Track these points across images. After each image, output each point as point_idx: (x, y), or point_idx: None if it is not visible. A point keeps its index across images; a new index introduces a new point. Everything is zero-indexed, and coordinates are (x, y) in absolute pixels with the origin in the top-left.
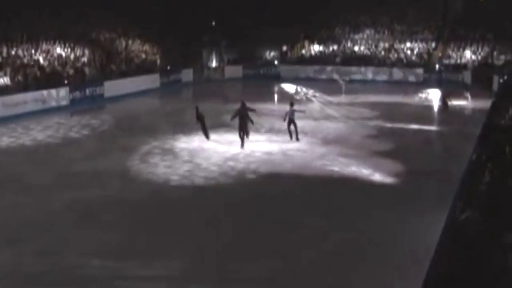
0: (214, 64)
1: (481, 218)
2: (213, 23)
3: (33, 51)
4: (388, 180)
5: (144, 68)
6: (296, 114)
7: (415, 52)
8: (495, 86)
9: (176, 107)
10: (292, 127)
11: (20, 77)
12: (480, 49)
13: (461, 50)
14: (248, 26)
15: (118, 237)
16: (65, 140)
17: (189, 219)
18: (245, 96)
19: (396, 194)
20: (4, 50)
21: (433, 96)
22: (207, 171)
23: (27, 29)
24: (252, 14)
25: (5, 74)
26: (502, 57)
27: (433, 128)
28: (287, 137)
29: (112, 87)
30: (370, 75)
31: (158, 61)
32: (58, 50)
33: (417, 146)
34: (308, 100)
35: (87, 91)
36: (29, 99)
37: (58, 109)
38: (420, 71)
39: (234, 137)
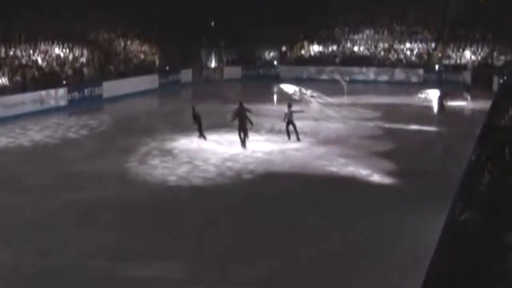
0: (213, 64)
1: (480, 218)
2: (212, 24)
3: (31, 52)
4: (388, 180)
5: (142, 69)
6: (296, 115)
7: (414, 52)
8: (495, 86)
9: (175, 107)
10: (291, 127)
11: (18, 78)
12: (480, 50)
13: (461, 50)
14: (247, 26)
15: (117, 238)
16: (64, 141)
17: (189, 219)
18: (244, 96)
19: (396, 195)
20: (2, 50)
21: (433, 96)
22: (206, 171)
23: (25, 29)
24: (251, 14)
25: (3, 75)
26: (502, 57)
27: (433, 128)
28: (289, 140)
29: (110, 88)
30: (371, 76)
31: (157, 62)
32: (57, 50)
33: (417, 147)
34: (308, 100)
35: (86, 91)
36: (27, 100)
37: (56, 110)
38: (421, 71)
39: (234, 137)
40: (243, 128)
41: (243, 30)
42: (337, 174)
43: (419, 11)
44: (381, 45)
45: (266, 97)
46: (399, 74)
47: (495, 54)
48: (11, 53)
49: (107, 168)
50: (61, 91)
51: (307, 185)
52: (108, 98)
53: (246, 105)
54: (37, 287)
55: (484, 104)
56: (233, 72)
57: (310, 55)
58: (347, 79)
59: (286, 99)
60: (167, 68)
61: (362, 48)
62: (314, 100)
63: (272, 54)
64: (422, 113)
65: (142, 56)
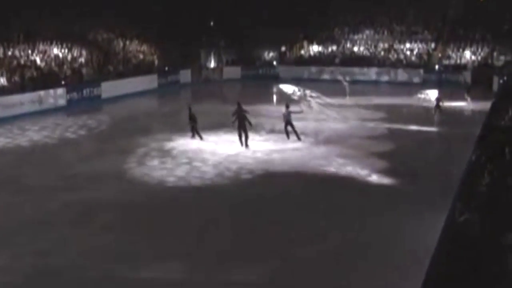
0: (212, 64)
1: (480, 219)
2: (212, 24)
3: (30, 52)
4: (388, 180)
5: (141, 69)
6: (296, 115)
7: (414, 52)
8: (495, 86)
9: (174, 108)
10: (289, 128)
11: (16, 78)
12: (480, 50)
13: (461, 50)
14: (247, 26)
15: (116, 238)
16: (62, 141)
17: (188, 220)
18: (243, 96)
19: (396, 195)
20: (1, 50)
21: (432, 96)
22: (205, 172)
23: (24, 29)
24: (251, 15)
25: (2, 75)
26: (502, 57)
27: (433, 129)
28: (288, 140)
29: (109, 88)
30: (373, 76)
31: (156, 62)
32: (55, 50)
33: (417, 147)
34: (307, 101)
35: (84, 92)
36: (25, 100)
37: (55, 110)
38: (421, 71)
39: (233, 137)
40: (243, 128)
41: (242, 30)
42: (336, 174)
43: (419, 11)
44: (381, 45)
45: (266, 97)
46: (402, 75)
47: (495, 54)
48: (10, 53)
49: (106, 169)
50: (60, 92)
51: (307, 185)
52: (107, 99)
53: (244, 106)
54: (37, 287)
55: (484, 105)
56: (233, 72)
57: (309, 55)
58: (348, 79)
59: (286, 99)
60: (166, 68)
61: (362, 48)
62: (313, 100)
63: (271, 54)
64: (422, 114)
65: (141, 56)
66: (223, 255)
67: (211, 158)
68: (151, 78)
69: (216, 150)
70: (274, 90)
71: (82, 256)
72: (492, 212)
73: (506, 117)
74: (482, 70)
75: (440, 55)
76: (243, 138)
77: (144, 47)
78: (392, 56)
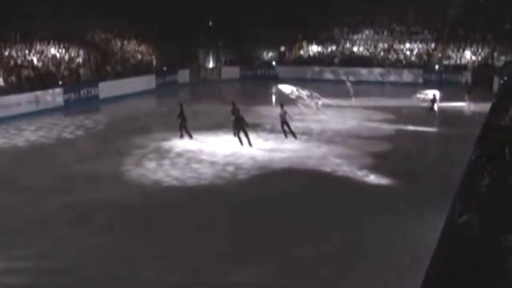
0: (211, 65)
1: (480, 220)
2: (210, 24)
3: (26, 52)
4: (388, 181)
5: (139, 69)
6: (296, 115)
7: (414, 52)
8: (495, 87)
9: (172, 108)
10: (285, 127)
11: (13, 78)
12: (480, 50)
13: (461, 50)
14: (246, 26)
15: (114, 239)
16: (59, 142)
17: (186, 221)
18: (242, 97)
19: (395, 195)
20: None
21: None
22: (203, 172)
23: (21, 29)
24: (250, 15)
25: None
26: (503, 57)
27: (432, 129)
28: (286, 139)
29: (107, 88)
30: (373, 76)
31: (154, 62)
32: (53, 50)
33: (417, 147)
34: (306, 101)
35: (82, 92)
36: (22, 100)
37: (52, 111)
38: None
39: (231, 137)
40: (242, 128)
41: (241, 30)
42: (336, 175)
43: (419, 11)
44: (380, 45)
45: (265, 97)
46: (401, 75)
47: (495, 54)
48: (6, 53)
49: (104, 169)
50: (57, 92)
51: (306, 185)
52: (104, 99)
53: (243, 106)
54: None
55: (484, 105)
56: (231, 72)
57: (309, 56)
58: (350, 79)
59: (285, 99)
60: (165, 68)
61: (361, 49)
62: (312, 101)
63: (270, 54)
64: (421, 114)
65: (139, 57)
66: (223, 256)
67: (209, 158)
68: (149, 79)
69: (215, 151)
70: (273, 90)
71: (80, 257)
72: (492, 213)
73: (506, 117)
74: (483, 70)
75: (440, 55)
76: (244, 138)
77: (142, 47)
78: (392, 56)
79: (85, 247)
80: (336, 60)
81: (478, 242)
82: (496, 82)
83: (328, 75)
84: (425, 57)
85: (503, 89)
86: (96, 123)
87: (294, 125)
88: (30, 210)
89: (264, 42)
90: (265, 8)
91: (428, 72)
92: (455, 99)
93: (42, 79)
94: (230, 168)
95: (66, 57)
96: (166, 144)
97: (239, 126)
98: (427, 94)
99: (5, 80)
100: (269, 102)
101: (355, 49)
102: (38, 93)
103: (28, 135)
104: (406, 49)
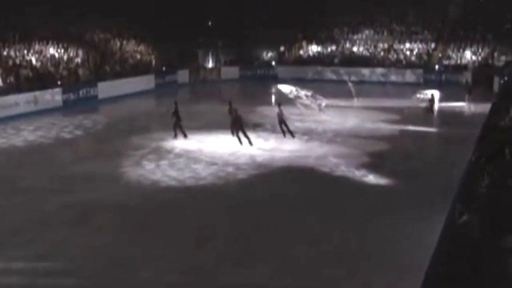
0: (210, 65)
1: (479, 221)
2: (210, 23)
3: (25, 52)
4: (387, 181)
5: (139, 69)
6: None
7: (414, 52)
8: (495, 87)
9: (171, 108)
10: (283, 126)
11: (12, 78)
12: (480, 50)
13: (461, 50)
14: (245, 26)
15: (113, 240)
16: (58, 142)
17: (185, 221)
18: (242, 97)
19: (395, 196)
20: None
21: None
22: (202, 173)
23: (19, 29)
24: (249, 14)
25: None
26: (503, 57)
27: (432, 129)
28: (285, 138)
29: (106, 88)
30: (374, 77)
31: (153, 62)
32: (51, 50)
33: (417, 147)
34: (305, 101)
35: (81, 92)
36: (21, 100)
37: (50, 111)
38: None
39: (230, 138)
40: (241, 127)
41: (241, 30)
42: (335, 175)
43: (419, 11)
44: (380, 45)
45: (264, 97)
46: (407, 76)
47: (495, 54)
48: (5, 53)
49: (103, 170)
50: (56, 92)
51: (306, 186)
52: (103, 99)
53: (244, 106)
54: None
55: (485, 106)
56: (231, 72)
57: (308, 56)
58: (352, 78)
59: (284, 99)
60: (164, 68)
61: (361, 49)
62: (315, 102)
63: (270, 54)
64: (421, 114)
65: (138, 56)
66: (222, 256)
67: (209, 158)
68: (148, 79)
69: (215, 151)
70: (273, 90)
71: (80, 258)
72: (492, 213)
73: (507, 117)
74: (483, 71)
75: (440, 55)
76: (243, 137)
77: (141, 47)
78: (392, 56)
79: (84, 247)
80: (336, 60)
81: (478, 242)
82: (497, 82)
83: (328, 75)
84: (425, 57)
85: (503, 89)
86: (95, 123)
87: (294, 125)
88: (29, 210)
89: (264, 42)
90: (264, 8)
91: (428, 72)
92: (455, 99)
93: (41, 79)
94: (230, 168)
95: (65, 57)
96: (165, 144)
97: (238, 126)
98: (426, 94)
99: (3, 80)
100: (269, 102)
101: (355, 49)
102: (37, 93)
103: (26, 135)
104: (406, 49)
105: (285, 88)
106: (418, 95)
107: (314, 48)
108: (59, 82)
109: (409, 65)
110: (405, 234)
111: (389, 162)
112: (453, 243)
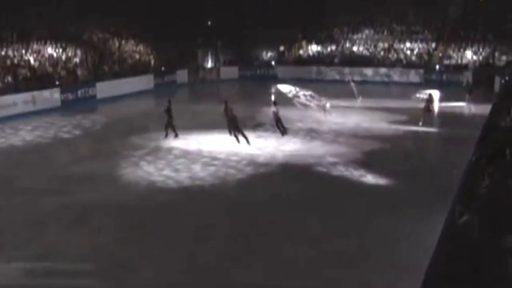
0: (209, 64)
1: (480, 221)
2: (209, 23)
3: (23, 51)
4: (387, 181)
5: (137, 69)
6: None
7: (415, 52)
8: (496, 86)
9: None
10: (280, 124)
11: (9, 78)
12: (481, 50)
13: (462, 50)
14: (245, 26)
15: (111, 241)
16: (56, 143)
17: (185, 222)
18: (242, 97)
19: (395, 196)
20: None
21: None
22: (201, 173)
23: (17, 29)
24: (249, 14)
25: None
26: (504, 57)
27: (432, 129)
28: (284, 138)
29: (104, 88)
30: (377, 77)
31: (152, 62)
32: (49, 50)
33: (417, 147)
34: (304, 100)
35: (79, 92)
36: (19, 101)
37: (49, 111)
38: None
39: (229, 138)
40: (237, 127)
41: (240, 30)
42: (335, 175)
43: (419, 10)
44: (380, 45)
45: (264, 97)
46: (407, 75)
47: (496, 54)
48: (3, 52)
49: (101, 170)
50: (54, 92)
51: (306, 186)
52: (102, 99)
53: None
54: None
55: (486, 105)
56: (230, 72)
57: (308, 55)
58: (352, 78)
59: (284, 99)
60: (163, 68)
61: (361, 48)
62: (319, 102)
63: (270, 54)
64: (421, 114)
65: (137, 56)
66: (222, 256)
67: (208, 159)
68: (147, 79)
69: (214, 151)
70: (272, 90)
71: (79, 258)
72: (492, 214)
73: (507, 118)
74: (484, 70)
75: (441, 55)
76: (241, 136)
77: (140, 47)
78: (392, 56)
79: (83, 248)
80: (336, 60)
81: (478, 243)
82: (498, 82)
83: (329, 75)
84: (425, 57)
85: (504, 89)
86: (93, 123)
87: (295, 125)
88: (27, 211)
89: (263, 41)
90: (264, 8)
91: (428, 72)
92: (456, 99)
93: (39, 79)
94: (229, 169)
95: (63, 57)
96: (165, 145)
97: (234, 126)
98: (426, 94)
99: (1, 80)
100: (268, 102)
101: (355, 48)
102: (35, 93)
103: (24, 135)
104: (407, 49)
105: (285, 88)
106: (418, 95)
107: (314, 48)
108: (57, 82)
109: (410, 65)
110: (405, 234)
111: (389, 162)
112: (453, 243)
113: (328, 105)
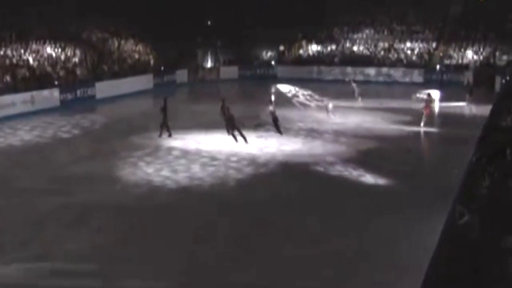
0: (209, 64)
1: (480, 221)
2: (209, 23)
3: (22, 51)
4: (388, 182)
5: (137, 69)
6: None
7: (415, 52)
8: (497, 86)
9: (169, 108)
10: (277, 123)
11: (8, 78)
12: (482, 49)
13: (462, 50)
14: (245, 26)
15: (110, 242)
16: (55, 143)
17: (184, 222)
18: (242, 97)
19: (395, 196)
20: None
21: (434, 96)
22: (200, 173)
23: (16, 28)
24: (249, 14)
25: None
26: (505, 57)
27: (433, 129)
28: (284, 138)
29: (104, 88)
30: (377, 76)
31: (152, 62)
32: (48, 50)
33: (417, 147)
34: (303, 100)
35: (78, 92)
36: (17, 101)
37: (48, 111)
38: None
39: (228, 138)
40: (234, 126)
41: (240, 30)
42: (335, 175)
43: (420, 10)
44: (381, 44)
45: (264, 97)
46: (407, 75)
47: (497, 53)
48: (1, 52)
49: (100, 170)
50: (53, 92)
51: (306, 186)
52: (101, 99)
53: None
54: None
55: (487, 105)
56: (230, 72)
57: (308, 55)
58: (353, 78)
59: (284, 99)
60: (162, 68)
61: (361, 48)
62: (309, 100)
63: (269, 54)
64: (421, 114)
65: (137, 56)
66: (222, 256)
67: (207, 159)
68: (146, 78)
69: (213, 151)
70: (272, 90)
71: (78, 259)
72: (492, 214)
73: (508, 118)
74: (484, 70)
75: (441, 54)
76: (238, 135)
77: (140, 47)
78: (393, 55)
79: (82, 248)
80: (336, 60)
81: (478, 243)
82: (498, 82)
83: (328, 75)
84: (426, 56)
85: (505, 89)
86: (92, 123)
87: (295, 125)
88: (26, 211)
89: (263, 41)
90: (264, 8)
91: (429, 71)
92: (456, 99)
93: (38, 79)
94: (229, 169)
95: (62, 57)
96: (164, 145)
97: (232, 125)
98: (425, 94)
99: (0, 80)
100: (268, 102)
101: (355, 48)
102: (34, 93)
103: (23, 135)
104: (407, 49)
105: (285, 88)
106: (418, 95)
107: (314, 48)
108: (56, 82)
109: (410, 64)
110: (405, 234)
111: (389, 162)
112: (453, 244)
113: (330, 105)
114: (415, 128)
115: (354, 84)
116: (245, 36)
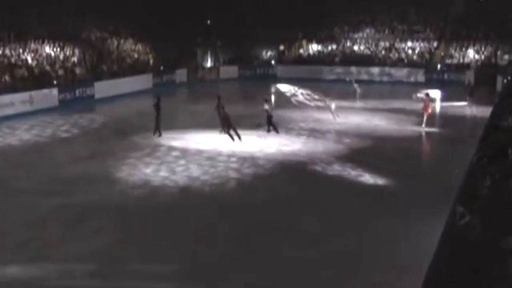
0: (209, 64)
1: (481, 222)
2: (208, 23)
3: (21, 51)
4: (388, 182)
5: (136, 69)
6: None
7: (416, 51)
8: (499, 86)
9: (168, 108)
10: (272, 122)
11: (7, 77)
12: (483, 49)
13: (463, 49)
14: (245, 25)
15: (111, 242)
16: (54, 143)
17: (183, 222)
18: (242, 97)
19: (395, 197)
20: None
21: (435, 96)
22: (200, 174)
23: (15, 28)
24: (248, 13)
25: None
26: (506, 56)
27: (434, 129)
28: (283, 138)
29: (103, 88)
30: (377, 76)
31: (151, 61)
32: (47, 49)
33: (417, 147)
34: (302, 99)
35: (77, 92)
36: (16, 100)
37: (46, 111)
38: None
39: (227, 137)
40: (230, 124)
41: (240, 29)
42: (334, 175)
43: (421, 10)
44: (382, 44)
45: (262, 97)
46: (408, 75)
47: (498, 53)
48: (0, 52)
49: (99, 171)
50: (52, 92)
51: (305, 186)
52: (100, 99)
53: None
54: None
55: (487, 106)
56: (230, 72)
57: (308, 55)
58: (353, 78)
59: (284, 99)
60: (162, 68)
61: (362, 47)
62: (308, 99)
63: (269, 53)
64: (422, 114)
65: (136, 56)
66: (222, 256)
67: (207, 159)
68: (146, 78)
69: (213, 151)
70: (272, 90)
71: (77, 259)
72: (493, 215)
73: (509, 117)
74: (486, 70)
75: (442, 54)
76: (234, 134)
77: (139, 46)
78: (393, 55)
79: (82, 249)
80: (336, 59)
81: (479, 244)
82: (500, 81)
83: (329, 75)
84: (427, 56)
85: (506, 88)
86: (91, 123)
87: (296, 125)
88: (24, 211)
89: (263, 41)
90: (264, 7)
91: (430, 71)
92: (457, 98)
93: (36, 78)
94: (229, 169)
95: (61, 56)
96: (163, 145)
97: (228, 124)
98: (425, 93)
99: None
100: (263, 100)
101: (355, 48)
102: (33, 92)
103: (22, 135)
104: (408, 48)
105: (284, 88)
106: (418, 95)
107: (314, 47)
108: (55, 82)
109: (411, 64)
110: (404, 234)
111: (389, 162)
112: (454, 244)
113: (333, 105)
114: (416, 128)
115: (355, 85)
116: (245, 36)
